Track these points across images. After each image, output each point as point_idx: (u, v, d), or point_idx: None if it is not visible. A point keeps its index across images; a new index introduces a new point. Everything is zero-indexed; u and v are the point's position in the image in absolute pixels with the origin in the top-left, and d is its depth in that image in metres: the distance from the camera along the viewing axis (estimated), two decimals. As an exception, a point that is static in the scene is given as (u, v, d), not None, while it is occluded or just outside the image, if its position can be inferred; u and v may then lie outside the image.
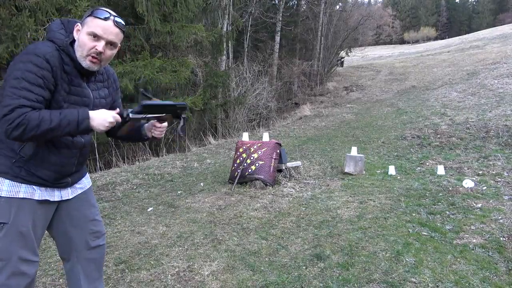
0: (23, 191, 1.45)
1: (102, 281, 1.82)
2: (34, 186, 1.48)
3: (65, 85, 1.45)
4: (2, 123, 1.30)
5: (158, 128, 1.64)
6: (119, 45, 1.54)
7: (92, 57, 1.45)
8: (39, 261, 1.55)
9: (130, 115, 1.51)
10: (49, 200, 1.54)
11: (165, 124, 1.65)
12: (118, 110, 1.53)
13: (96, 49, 1.44)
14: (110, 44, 1.48)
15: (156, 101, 1.59)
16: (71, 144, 1.54)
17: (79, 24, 1.48)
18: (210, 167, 6.56)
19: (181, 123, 1.67)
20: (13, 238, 1.42)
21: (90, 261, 1.73)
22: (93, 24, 1.44)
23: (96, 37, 1.44)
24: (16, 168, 1.44)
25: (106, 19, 1.45)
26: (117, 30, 1.48)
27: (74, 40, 1.48)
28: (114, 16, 1.48)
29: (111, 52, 1.51)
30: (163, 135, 1.69)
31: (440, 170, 5.41)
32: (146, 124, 1.70)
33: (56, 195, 1.57)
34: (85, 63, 1.46)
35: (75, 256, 1.69)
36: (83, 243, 1.69)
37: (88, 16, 1.46)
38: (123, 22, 1.51)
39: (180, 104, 1.66)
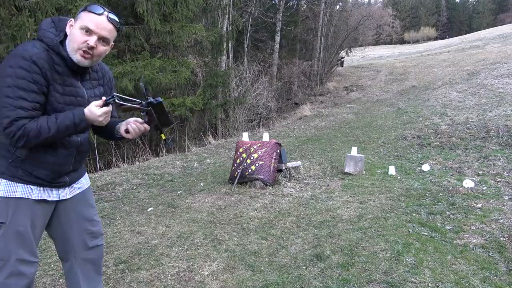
0: (20, 190, 1.45)
1: (101, 281, 1.82)
2: (31, 186, 1.48)
3: (57, 86, 1.44)
4: (5, 137, 1.37)
5: (137, 125, 1.55)
6: (112, 42, 1.53)
7: (84, 51, 1.44)
8: (38, 262, 1.55)
9: (117, 100, 1.46)
10: (46, 200, 1.54)
11: (146, 126, 1.57)
12: (103, 98, 1.47)
13: (88, 43, 1.42)
14: (102, 40, 1.46)
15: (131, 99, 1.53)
16: (68, 143, 1.54)
17: (72, 19, 1.48)
18: (210, 167, 6.56)
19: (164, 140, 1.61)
20: (11, 238, 1.42)
21: (88, 261, 1.73)
22: (87, 19, 1.43)
23: (88, 31, 1.43)
24: (12, 168, 1.44)
25: (100, 14, 1.44)
26: (110, 26, 1.46)
27: (65, 37, 1.47)
28: (108, 12, 1.47)
29: (103, 48, 1.49)
30: (136, 134, 1.58)
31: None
32: (124, 121, 1.61)
33: (54, 195, 1.57)
34: (76, 57, 1.44)
35: (73, 256, 1.69)
36: (81, 243, 1.69)
37: (82, 11, 1.46)
38: (116, 19, 1.49)
39: (155, 100, 1.52)
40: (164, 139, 1.65)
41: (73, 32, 1.44)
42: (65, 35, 1.47)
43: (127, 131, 1.59)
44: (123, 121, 1.63)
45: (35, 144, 1.39)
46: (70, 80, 1.49)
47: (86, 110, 1.44)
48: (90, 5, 1.45)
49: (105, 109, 1.44)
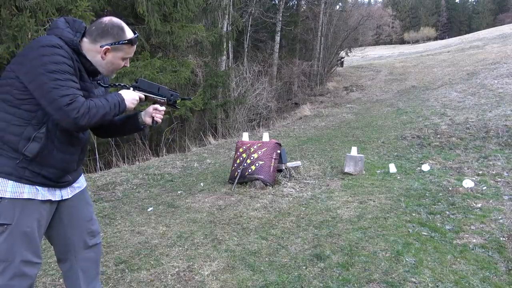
0: (27, 191, 1.45)
1: (99, 280, 1.83)
2: (37, 187, 1.48)
3: (77, 79, 1.48)
4: (67, 113, 1.34)
5: (159, 112, 1.73)
6: None
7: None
8: (41, 263, 1.55)
9: (131, 88, 1.66)
10: (51, 200, 1.54)
11: (164, 108, 1.75)
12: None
13: (126, 66, 1.62)
14: None
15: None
16: (76, 140, 1.56)
17: (109, 47, 1.53)
18: (210, 167, 6.56)
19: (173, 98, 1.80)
20: (16, 239, 1.42)
21: (88, 260, 1.73)
22: (130, 50, 1.59)
23: (126, 58, 1.61)
24: (20, 169, 1.43)
25: (136, 42, 1.59)
26: None
27: (81, 40, 1.53)
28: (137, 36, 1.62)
29: None
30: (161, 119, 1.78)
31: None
32: (143, 112, 1.75)
33: (57, 195, 1.58)
34: (111, 76, 1.65)
35: (73, 256, 1.69)
36: (81, 243, 1.70)
37: (124, 43, 1.55)
38: None
39: (173, 91, 1.79)
40: (182, 98, 1.88)
41: (113, 60, 1.57)
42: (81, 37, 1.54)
43: (155, 121, 1.75)
44: (140, 112, 1.76)
45: (94, 123, 1.41)
46: (86, 77, 1.55)
47: (122, 92, 1.58)
48: (134, 39, 1.57)
49: (141, 94, 1.65)
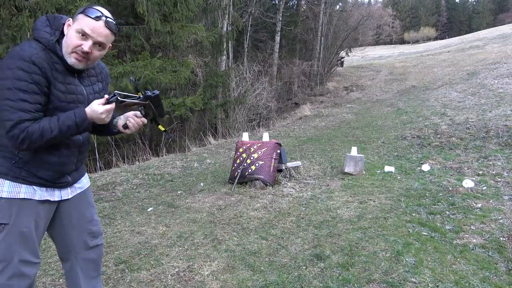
0: (24, 191, 1.45)
1: (100, 280, 1.83)
2: (34, 187, 1.48)
3: (59, 84, 1.43)
4: (8, 138, 1.35)
5: (136, 120, 1.56)
6: (109, 45, 1.51)
7: (77, 54, 1.42)
8: (40, 263, 1.55)
9: (119, 97, 1.45)
10: (49, 200, 1.54)
11: (144, 120, 1.57)
12: (105, 96, 1.45)
13: (82, 48, 1.41)
14: (98, 44, 1.44)
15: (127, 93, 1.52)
16: (71, 143, 1.54)
17: (70, 19, 1.45)
18: (210, 167, 6.56)
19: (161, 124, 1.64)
20: (14, 239, 1.42)
21: (89, 260, 1.73)
22: (83, 22, 1.40)
23: (84, 35, 1.40)
24: (16, 169, 1.44)
25: (97, 18, 1.41)
26: (107, 31, 1.44)
27: (62, 36, 1.45)
28: (106, 16, 1.43)
29: (99, 53, 1.47)
30: (135, 129, 1.59)
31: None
32: (123, 116, 1.62)
33: (56, 195, 1.57)
34: (70, 60, 1.43)
35: (74, 256, 1.69)
36: (81, 243, 1.69)
37: (80, 13, 1.43)
38: (114, 23, 1.47)
39: (150, 94, 1.51)
40: (164, 130, 1.69)
41: (69, 34, 1.42)
42: (62, 34, 1.45)
43: (125, 126, 1.59)
44: (120, 115, 1.63)
45: (39, 145, 1.37)
46: (69, 79, 1.48)
47: (87, 109, 1.42)
48: (87, 9, 1.42)
49: (107, 107, 1.42)
